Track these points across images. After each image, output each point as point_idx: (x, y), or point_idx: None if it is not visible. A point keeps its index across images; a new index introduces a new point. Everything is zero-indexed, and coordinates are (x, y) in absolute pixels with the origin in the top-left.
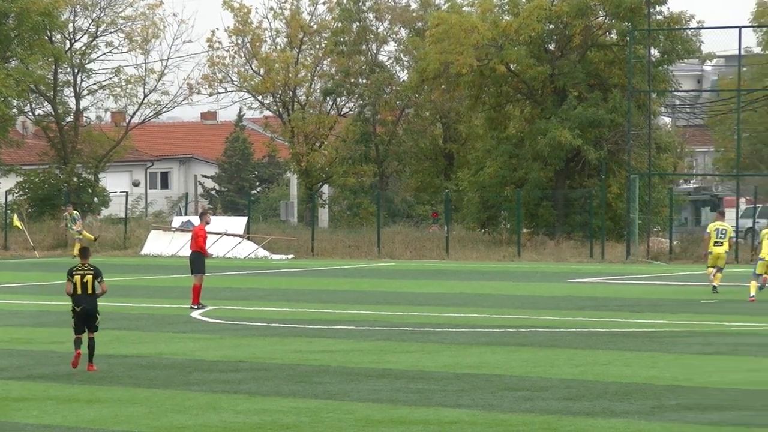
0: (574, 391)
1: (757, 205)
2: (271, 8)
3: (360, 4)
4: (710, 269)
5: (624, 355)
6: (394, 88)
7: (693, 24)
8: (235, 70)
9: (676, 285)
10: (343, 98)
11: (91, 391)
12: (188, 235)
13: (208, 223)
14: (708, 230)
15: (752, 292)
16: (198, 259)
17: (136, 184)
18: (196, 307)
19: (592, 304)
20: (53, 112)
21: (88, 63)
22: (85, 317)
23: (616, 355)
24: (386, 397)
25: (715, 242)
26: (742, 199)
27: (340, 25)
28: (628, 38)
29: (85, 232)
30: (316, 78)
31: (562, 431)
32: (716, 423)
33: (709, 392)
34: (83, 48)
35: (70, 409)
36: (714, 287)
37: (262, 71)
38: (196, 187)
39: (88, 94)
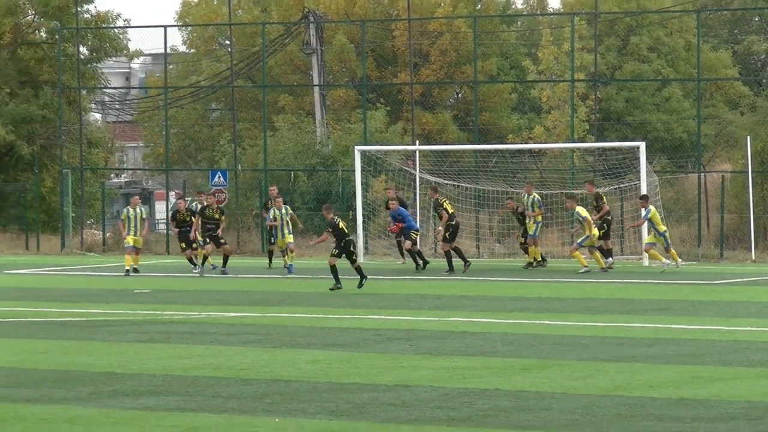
0: (14, 378)
1: (186, 198)
2: None
3: None
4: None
5: (62, 343)
6: None
7: (120, 23)
8: None
9: (111, 276)
10: None
11: None
12: None
13: None
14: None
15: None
16: None
17: None
18: None
19: (29, 295)
20: None
21: None
22: None
23: (55, 344)
24: None
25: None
26: (173, 192)
27: None
28: (57, 36)
29: None
30: None
31: (3, 418)
32: (150, 407)
33: (144, 378)
34: None
35: None
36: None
37: None
38: None
39: None
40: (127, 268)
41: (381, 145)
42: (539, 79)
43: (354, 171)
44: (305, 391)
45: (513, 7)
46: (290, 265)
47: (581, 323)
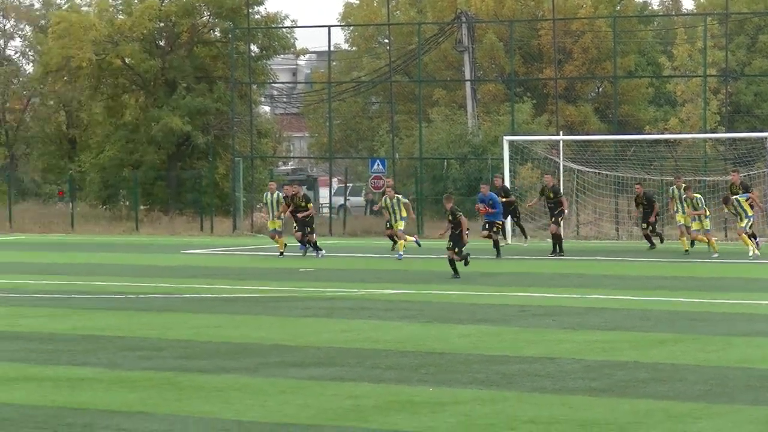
0: (190, 350)
1: (348, 184)
2: None
3: None
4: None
5: (234, 318)
6: (21, 79)
7: (288, 23)
8: None
9: (275, 254)
10: None
11: None
12: None
13: None
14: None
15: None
16: None
17: None
18: None
19: (203, 273)
20: None
21: None
22: None
23: (227, 318)
24: (20, 357)
25: None
26: (335, 179)
27: None
28: (230, 36)
29: None
30: None
31: (180, 386)
32: (314, 377)
33: (308, 350)
34: None
35: None
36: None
37: None
38: None
39: None
40: (281, 250)
41: (527, 135)
42: (674, 74)
43: (502, 159)
44: (457, 363)
45: (650, 8)
46: (399, 253)
47: (714, 300)
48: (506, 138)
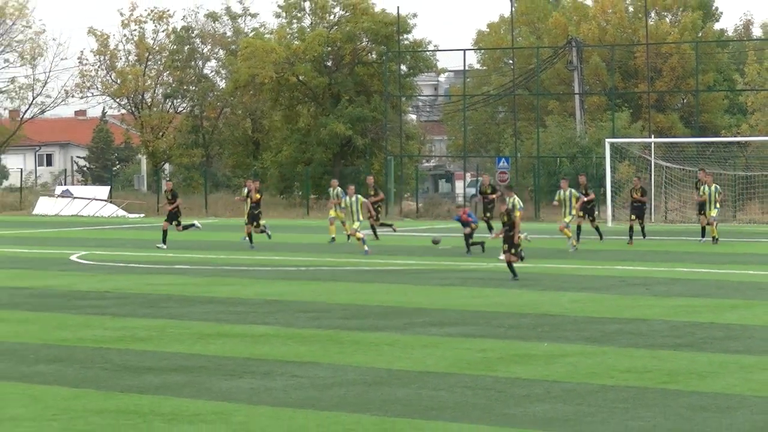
0: (350, 312)
1: (478, 178)
2: (125, 36)
3: (189, 32)
4: None
5: (385, 286)
6: (215, 93)
7: (431, 47)
8: (99, 80)
9: (420, 235)
10: (179, 100)
11: None
12: (67, 200)
13: None
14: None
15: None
16: None
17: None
18: None
19: (360, 249)
20: None
21: None
22: None
23: (380, 287)
24: (214, 318)
25: None
26: (468, 174)
27: (175, 47)
28: (384, 58)
29: None
30: (158, 86)
31: (341, 341)
32: (451, 334)
33: (446, 312)
34: None
35: None
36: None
37: (118, 80)
38: (72, 165)
39: None
40: (333, 236)
41: (625, 138)
42: (745, 88)
43: (604, 158)
44: (567, 323)
45: (726, 34)
46: (365, 250)
47: None
48: (608, 140)
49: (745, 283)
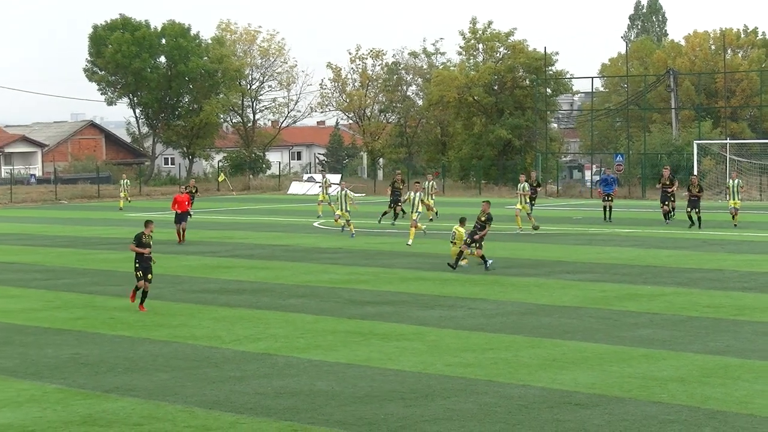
0: (508, 263)
1: (601, 168)
2: (352, 68)
3: (397, 65)
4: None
5: (533, 245)
6: (415, 108)
7: (568, 75)
8: (334, 99)
9: (559, 209)
10: (389, 114)
11: (261, 264)
12: (310, 184)
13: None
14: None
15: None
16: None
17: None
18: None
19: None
20: (242, 121)
21: (259, 95)
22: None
23: (530, 245)
24: (414, 266)
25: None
26: (595, 166)
27: (387, 76)
28: (534, 83)
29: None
30: (375, 103)
31: (503, 284)
32: (581, 279)
33: (577, 264)
34: (256, 87)
35: (254, 271)
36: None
37: (348, 100)
38: (314, 159)
39: (259, 112)
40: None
41: (708, 140)
42: None
43: (693, 155)
44: (664, 272)
45: None
46: (352, 233)
47: None
48: (696, 142)
49: None
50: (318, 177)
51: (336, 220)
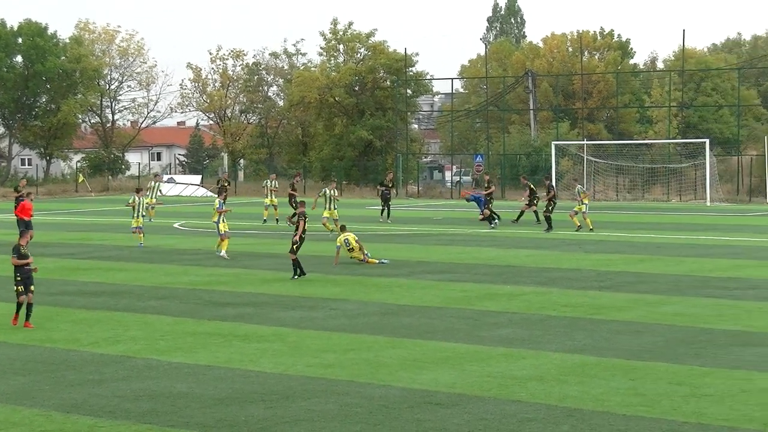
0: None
1: (461, 169)
2: (213, 68)
3: (258, 66)
4: None
5: (396, 245)
6: (276, 109)
7: (428, 76)
8: (194, 100)
9: (420, 209)
10: (250, 114)
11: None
12: (171, 185)
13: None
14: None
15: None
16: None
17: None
18: None
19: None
20: (100, 121)
21: (118, 96)
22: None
23: (393, 245)
24: (274, 267)
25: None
26: (455, 166)
27: (248, 76)
28: (395, 84)
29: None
30: (235, 104)
31: (365, 284)
32: (442, 279)
33: (438, 264)
34: (115, 87)
35: (109, 275)
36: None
37: (208, 100)
38: (174, 160)
39: (118, 112)
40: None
41: (565, 141)
42: (651, 105)
43: (551, 155)
44: (524, 271)
45: (637, 66)
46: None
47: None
48: (554, 143)
49: (650, 243)
50: (179, 178)
51: (324, 224)
